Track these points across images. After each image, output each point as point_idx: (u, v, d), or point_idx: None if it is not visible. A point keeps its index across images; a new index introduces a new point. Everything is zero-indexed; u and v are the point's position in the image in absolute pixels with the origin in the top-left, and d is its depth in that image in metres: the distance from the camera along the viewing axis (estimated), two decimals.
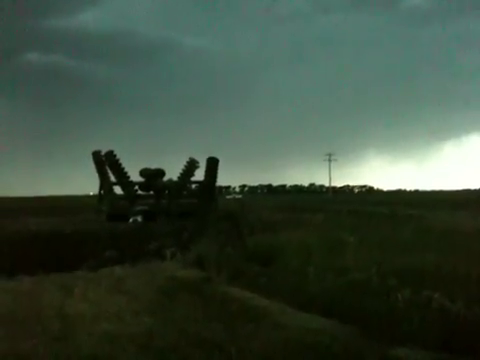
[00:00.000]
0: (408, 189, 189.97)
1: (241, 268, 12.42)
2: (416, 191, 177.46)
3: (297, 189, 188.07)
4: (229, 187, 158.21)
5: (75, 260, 15.32)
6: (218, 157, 36.28)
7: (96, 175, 34.92)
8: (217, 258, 13.30)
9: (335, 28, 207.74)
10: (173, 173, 36.23)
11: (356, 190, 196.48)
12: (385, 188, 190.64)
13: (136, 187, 35.34)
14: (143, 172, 35.12)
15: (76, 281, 11.87)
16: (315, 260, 11.39)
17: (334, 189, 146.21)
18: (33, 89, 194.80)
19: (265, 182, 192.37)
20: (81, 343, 7.57)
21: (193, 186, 37.70)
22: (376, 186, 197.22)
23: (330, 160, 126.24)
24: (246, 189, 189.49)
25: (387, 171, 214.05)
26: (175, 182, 35.65)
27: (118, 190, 35.22)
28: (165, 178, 35.80)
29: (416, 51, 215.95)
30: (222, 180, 42.32)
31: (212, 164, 35.82)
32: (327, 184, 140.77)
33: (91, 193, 74.64)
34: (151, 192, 35.42)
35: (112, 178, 34.72)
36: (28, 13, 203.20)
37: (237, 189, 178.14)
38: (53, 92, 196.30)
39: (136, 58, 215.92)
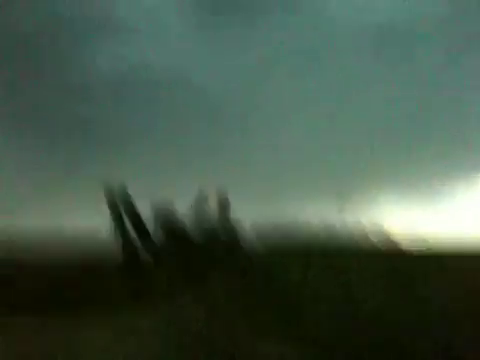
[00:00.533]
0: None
1: (245, 309, 12.04)
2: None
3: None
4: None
5: (83, 300, 15.06)
6: (228, 193, 35.93)
7: (109, 213, 34.75)
8: (223, 296, 12.95)
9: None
10: (183, 207, 35.67)
11: (368, 230, 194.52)
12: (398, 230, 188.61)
13: (147, 227, 35.02)
14: (154, 211, 34.89)
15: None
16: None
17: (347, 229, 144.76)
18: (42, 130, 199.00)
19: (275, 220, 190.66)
20: None
21: (207, 224, 37.37)
22: (388, 227, 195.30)
23: (342, 200, 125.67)
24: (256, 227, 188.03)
25: (400, 212, 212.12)
26: (187, 220, 35.34)
27: (129, 229, 34.93)
28: (177, 216, 35.51)
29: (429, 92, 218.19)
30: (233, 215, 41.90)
31: (223, 200, 35.52)
32: (339, 224, 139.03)
33: (103, 231, 74.34)
34: (163, 232, 35.08)
35: (124, 217, 34.46)
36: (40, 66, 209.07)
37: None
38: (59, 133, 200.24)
39: (143, 94, 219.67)
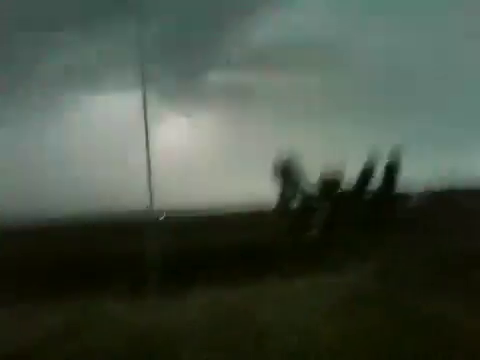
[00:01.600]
0: None
1: (431, 279, 11.70)
2: None
3: None
4: (408, 193, 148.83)
5: (259, 272, 15.98)
6: (395, 161, 34.70)
7: (277, 186, 35.92)
8: (403, 269, 12.75)
9: None
10: (352, 177, 35.13)
11: None
12: None
13: (313, 199, 35.49)
14: (320, 182, 35.16)
15: (264, 291, 12.29)
16: None
17: None
18: (216, 106, 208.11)
19: (454, 181, 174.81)
20: None
21: (371, 194, 36.69)
22: None
23: None
24: (430, 193, 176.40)
25: None
26: (351, 191, 35.06)
27: (296, 202, 35.70)
28: (342, 186, 35.36)
29: None
30: (403, 181, 39.78)
31: (391, 169, 34.48)
32: None
33: (272, 205, 76.43)
34: (328, 202, 35.31)
35: (291, 189, 35.34)
36: (204, 36, 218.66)
37: (417, 195, 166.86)
38: (234, 105, 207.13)
39: (311, 66, 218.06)
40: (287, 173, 35.14)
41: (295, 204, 36.28)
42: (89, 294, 14.08)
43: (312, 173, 38.44)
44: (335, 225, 31.46)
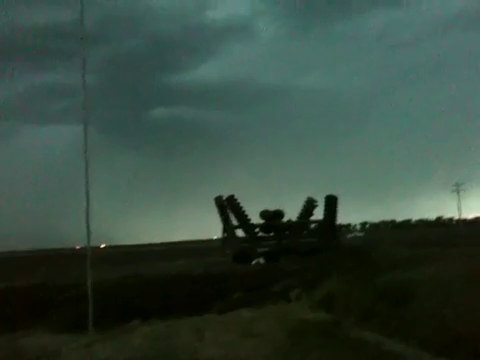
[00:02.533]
0: None
1: (371, 309, 11.85)
2: None
3: (423, 224, 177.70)
4: (349, 225, 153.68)
5: (204, 302, 15.72)
6: (336, 194, 35.74)
7: (219, 219, 36.02)
8: (345, 299, 12.85)
9: (452, 48, 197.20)
10: (292, 213, 36.26)
11: None
12: None
13: (257, 229, 35.85)
14: (263, 214, 35.63)
15: (207, 324, 12.09)
16: (456, 299, 10.51)
17: (465, 221, 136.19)
18: (158, 140, 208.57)
19: (388, 218, 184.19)
20: None
21: (313, 225, 37.32)
22: None
23: (459, 190, 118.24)
24: (368, 226, 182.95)
25: None
26: (295, 222, 35.62)
27: (240, 233, 35.99)
28: (284, 219, 35.93)
29: None
30: (342, 218, 41.53)
31: (331, 202, 35.32)
32: (456, 216, 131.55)
33: (215, 237, 76.90)
34: (272, 233, 35.67)
35: (234, 221, 35.58)
36: (153, 71, 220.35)
37: (358, 227, 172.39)
38: (176, 141, 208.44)
39: (253, 103, 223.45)
40: (230, 206, 35.40)
41: (239, 236, 36.43)
42: (24, 328, 13.38)
43: (255, 206, 39.22)
44: (280, 255, 31.74)
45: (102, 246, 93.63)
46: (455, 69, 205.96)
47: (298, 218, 35.98)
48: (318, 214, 35.93)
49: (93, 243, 13.21)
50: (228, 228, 35.97)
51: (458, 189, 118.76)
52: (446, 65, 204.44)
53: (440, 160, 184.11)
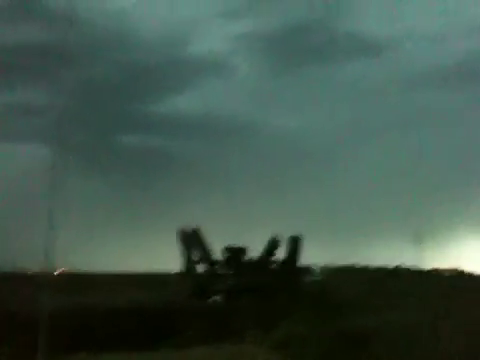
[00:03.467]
0: None
1: (328, 352, 11.78)
2: None
3: (382, 271, 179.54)
4: (311, 267, 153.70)
5: (158, 337, 15.32)
6: (300, 234, 35.82)
7: (180, 252, 35.51)
8: (303, 341, 12.75)
9: (420, 102, 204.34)
10: (256, 250, 36.04)
11: (446, 274, 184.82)
12: (479, 272, 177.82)
13: (218, 265, 35.48)
14: (226, 250, 35.35)
15: None
16: (412, 345, 10.57)
17: (422, 272, 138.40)
18: (126, 168, 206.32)
19: (348, 262, 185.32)
20: None
21: (275, 265, 37.19)
22: (468, 270, 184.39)
23: (417, 241, 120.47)
24: (328, 269, 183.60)
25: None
26: (257, 260, 35.44)
27: (201, 268, 35.51)
28: (247, 256, 35.73)
29: None
30: (303, 259, 41.69)
31: (294, 243, 35.39)
32: (414, 267, 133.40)
33: (175, 270, 75.51)
34: (233, 270, 35.35)
35: (196, 255, 35.16)
36: (126, 99, 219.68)
37: (319, 269, 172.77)
38: (144, 170, 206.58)
39: (226, 137, 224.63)
40: (193, 239, 35.04)
41: (200, 270, 35.96)
42: None
43: (218, 241, 38.89)
44: (239, 293, 31.35)
45: (57, 272, 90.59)
46: (422, 122, 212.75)
47: (261, 256, 35.87)
48: (281, 254, 35.93)
49: (48, 268, 12.79)
50: (189, 262, 35.50)
51: (416, 239, 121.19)
52: (414, 118, 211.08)
53: (402, 210, 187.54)
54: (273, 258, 36.15)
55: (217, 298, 31.73)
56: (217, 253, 35.54)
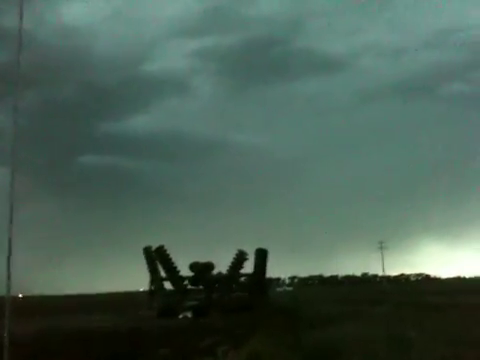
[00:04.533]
0: (467, 276, 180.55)
1: None
2: (476, 278, 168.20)
3: (350, 279, 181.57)
4: (279, 279, 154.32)
5: (127, 358, 14.92)
6: (267, 248, 35.83)
7: (147, 270, 34.97)
8: (272, 356, 12.62)
9: (379, 116, 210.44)
10: (222, 266, 35.86)
11: (412, 278, 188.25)
12: (443, 276, 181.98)
13: (186, 282, 35.07)
14: (193, 266, 34.98)
15: None
16: (380, 358, 10.59)
17: (389, 278, 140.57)
18: (86, 188, 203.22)
19: (316, 273, 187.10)
20: None
21: (243, 279, 37.04)
22: (433, 274, 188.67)
23: (382, 248, 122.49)
24: (296, 280, 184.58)
25: (444, 258, 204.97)
26: (225, 275, 35.20)
27: (169, 285, 35.05)
28: (215, 271, 35.47)
29: (462, 134, 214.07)
30: (271, 272, 41.63)
31: (261, 256, 35.32)
32: (380, 273, 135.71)
33: (141, 289, 74.53)
34: (201, 286, 35.00)
35: (163, 273, 34.67)
36: (84, 119, 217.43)
37: (287, 281, 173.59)
38: (105, 190, 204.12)
39: (187, 155, 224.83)
40: (159, 257, 34.52)
41: (167, 288, 35.45)
42: None
43: (184, 258, 38.53)
44: (208, 309, 31.03)
45: (20, 296, 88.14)
46: (380, 135, 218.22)
47: (228, 271, 35.59)
48: (248, 267, 35.77)
49: (9, 292, 12.33)
50: (156, 280, 34.94)
51: (381, 247, 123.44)
52: (372, 131, 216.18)
53: (365, 219, 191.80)
54: (241, 272, 35.98)
55: (186, 315, 31.28)
56: (184, 270, 35.19)
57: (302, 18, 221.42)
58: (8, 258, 12.01)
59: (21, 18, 13.11)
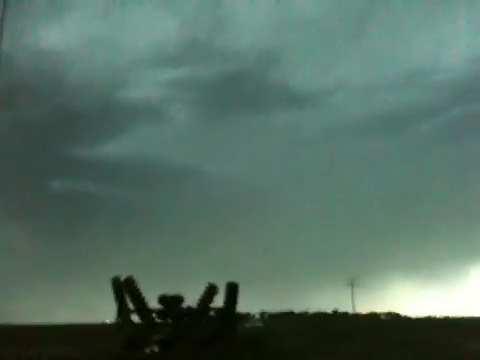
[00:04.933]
0: (438, 315, 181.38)
1: None
2: (446, 318, 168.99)
3: (320, 316, 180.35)
4: (249, 314, 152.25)
5: None
6: (237, 281, 35.33)
7: (113, 301, 34.02)
8: None
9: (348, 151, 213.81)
10: (192, 299, 35.13)
11: (383, 317, 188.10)
12: (413, 315, 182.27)
13: (154, 315, 34.21)
14: (161, 299, 34.22)
15: None
16: None
17: (358, 316, 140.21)
18: (55, 214, 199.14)
19: (286, 308, 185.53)
20: None
21: (212, 313, 36.33)
22: (403, 312, 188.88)
23: (353, 286, 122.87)
24: (266, 316, 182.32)
25: (414, 296, 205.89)
26: (194, 309, 34.48)
27: (136, 317, 34.11)
28: (184, 304, 34.73)
29: (429, 171, 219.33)
30: (241, 306, 41.01)
31: (232, 290, 34.78)
32: (351, 311, 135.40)
33: (107, 321, 72.45)
34: (169, 320, 34.16)
35: (130, 305, 33.77)
36: (56, 143, 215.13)
37: (257, 316, 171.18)
38: (75, 217, 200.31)
39: (159, 183, 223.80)
40: (127, 288, 33.70)
41: (135, 320, 34.53)
42: None
43: (153, 290, 37.67)
44: (175, 342, 30.20)
45: None
46: (350, 170, 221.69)
47: (198, 304, 34.91)
48: (218, 301, 35.13)
49: None
50: (123, 312, 33.97)
51: (352, 284, 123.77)
52: (341, 165, 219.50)
53: (336, 255, 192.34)
54: (211, 306, 35.31)
55: (154, 348, 30.37)
56: (152, 302, 34.33)
57: (276, 53, 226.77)
58: None
59: (0, 40, 12.77)
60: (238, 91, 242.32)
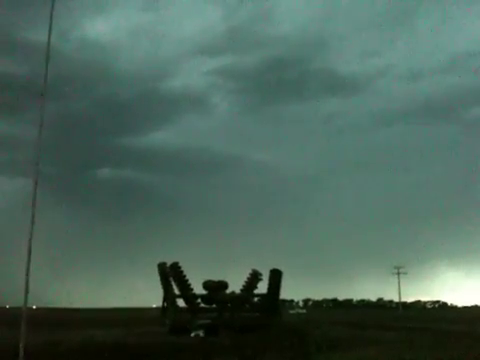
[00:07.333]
0: None
1: None
2: None
3: (364, 304, 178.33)
4: (292, 301, 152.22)
5: None
6: (281, 269, 35.51)
7: (160, 287, 34.85)
8: None
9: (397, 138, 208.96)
10: (236, 285, 35.58)
11: (428, 306, 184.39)
12: (460, 304, 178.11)
13: (199, 300, 34.84)
14: (206, 284, 34.77)
15: None
16: None
17: (404, 304, 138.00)
18: (103, 201, 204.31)
19: (330, 296, 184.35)
20: None
21: (256, 299, 36.70)
22: (450, 302, 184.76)
23: (399, 273, 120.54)
24: (310, 303, 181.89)
25: (461, 286, 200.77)
26: (238, 295, 34.92)
27: (181, 302, 34.85)
28: (228, 290, 35.21)
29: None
30: (285, 293, 41.14)
31: (275, 276, 34.99)
32: (396, 299, 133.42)
33: (154, 305, 74.28)
34: (214, 305, 34.74)
35: (176, 290, 34.51)
36: (103, 133, 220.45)
37: (300, 303, 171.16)
38: (122, 204, 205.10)
39: (203, 172, 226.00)
40: (173, 274, 34.40)
41: (180, 305, 35.27)
42: None
43: (198, 275, 38.30)
44: (220, 328, 30.74)
45: (34, 307, 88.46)
46: (396, 157, 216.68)
47: (242, 290, 35.30)
48: (262, 288, 35.42)
49: (22, 303, 12.37)
50: (169, 297, 34.77)
51: (398, 272, 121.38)
52: (387, 153, 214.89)
53: (383, 243, 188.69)
54: (255, 292, 35.66)
55: (199, 333, 30.99)
56: (197, 288, 34.97)
57: (321, 40, 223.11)
58: (27, 271, 12.03)
59: (50, 32, 13.28)
60: (280, 79, 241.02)
